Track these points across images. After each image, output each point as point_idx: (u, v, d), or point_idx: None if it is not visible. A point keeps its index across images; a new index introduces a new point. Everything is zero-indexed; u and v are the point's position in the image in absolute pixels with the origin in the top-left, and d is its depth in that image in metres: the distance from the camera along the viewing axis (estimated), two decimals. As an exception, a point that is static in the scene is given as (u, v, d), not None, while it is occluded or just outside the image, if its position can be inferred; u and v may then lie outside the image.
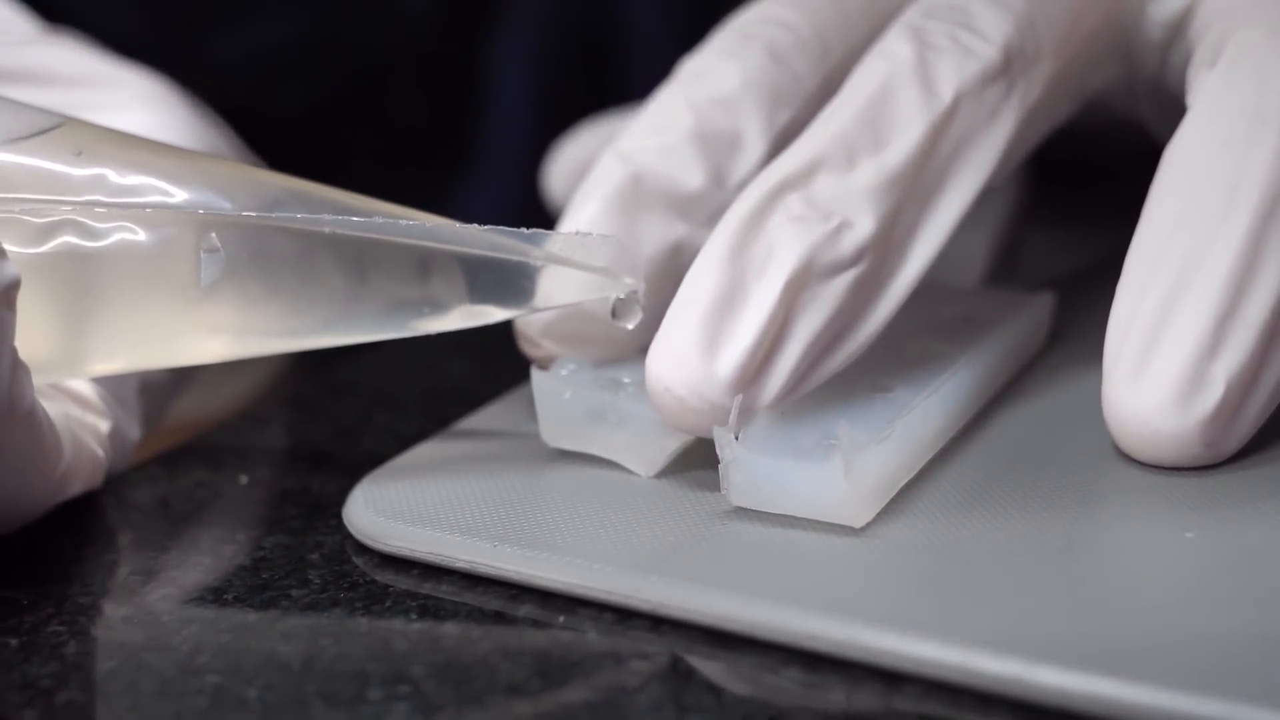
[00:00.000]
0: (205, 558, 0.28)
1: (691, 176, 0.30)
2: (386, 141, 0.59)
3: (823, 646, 0.23)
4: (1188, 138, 0.28)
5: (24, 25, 0.34)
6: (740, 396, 0.26)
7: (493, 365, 0.36)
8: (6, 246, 0.25)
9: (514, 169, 0.60)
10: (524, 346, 0.30)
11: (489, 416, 0.31)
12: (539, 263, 0.27)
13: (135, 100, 0.33)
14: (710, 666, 0.24)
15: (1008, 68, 0.29)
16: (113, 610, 0.26)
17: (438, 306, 0.27)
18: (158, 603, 0.26)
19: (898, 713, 0.22)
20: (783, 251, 0.27)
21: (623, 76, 0.62)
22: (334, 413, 0.34)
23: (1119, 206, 0.44)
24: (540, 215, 0.62)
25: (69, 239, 0.26)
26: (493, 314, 0.28)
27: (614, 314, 0.28)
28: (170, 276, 0.27)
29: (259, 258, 0.27)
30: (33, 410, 0.25)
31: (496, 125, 0.60)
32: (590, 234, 0.28)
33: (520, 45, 0.60)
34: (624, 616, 0.25)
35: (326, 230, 0.27)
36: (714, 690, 0.23)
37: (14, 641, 0.25)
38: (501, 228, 0.27)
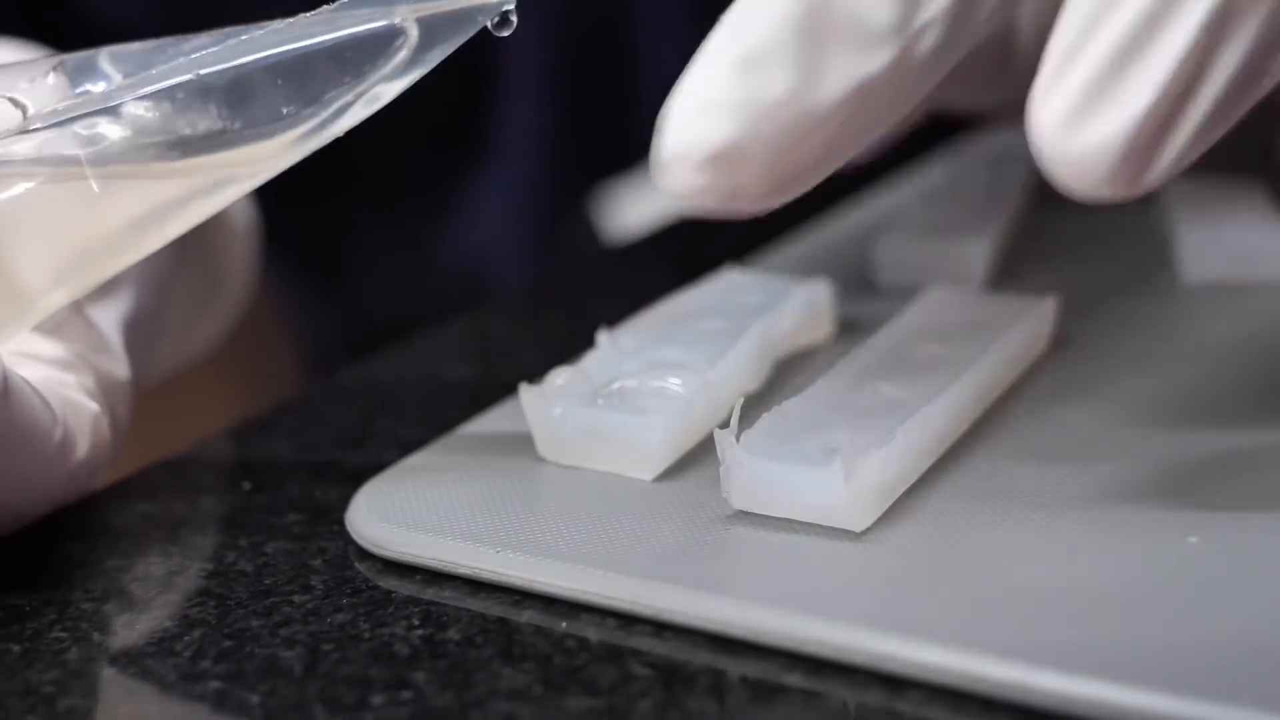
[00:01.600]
0: (208, 564, 0.28)
1: (880, 12, 0.26)
2: (400, 129, 0.59)
3: (825, 651, 0.23)
4: None
5: None
6: (741, 399, 0.26)
7: (494, 370, 0.36)
8: None
9: (530, 155, 0.60)
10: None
11: (491, 421, 0.31)
12: (405, 22, 0.26)
13: None
14: (713, 672, 0.24)
15: None
16: (115, 616, 0.26)
17: (336, 107, 0.27)
18: (160, 608, 0.26)
19: (901, 717, 0.22)
20: None
21: (635, 61, 0.61)
22: (336, 418, 0.34)
23: (1122, 211, 0.44)
24: (557, 202, 0.62)
25: None
26: (390, 90, 0.27)
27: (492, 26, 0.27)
28: (62, 188, 0.26)
29: (141, 131, 0.26)
30: (8, 382, 0.25)
31: (511, 112, 0.60)
32: None
33: (533, 30, 0.59)
34: (626, 622, 0.25)
35: (194, 76, 0.26)
36: (716, 695, 0.23)
37: (16, 648, 0.25)
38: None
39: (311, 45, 0.26)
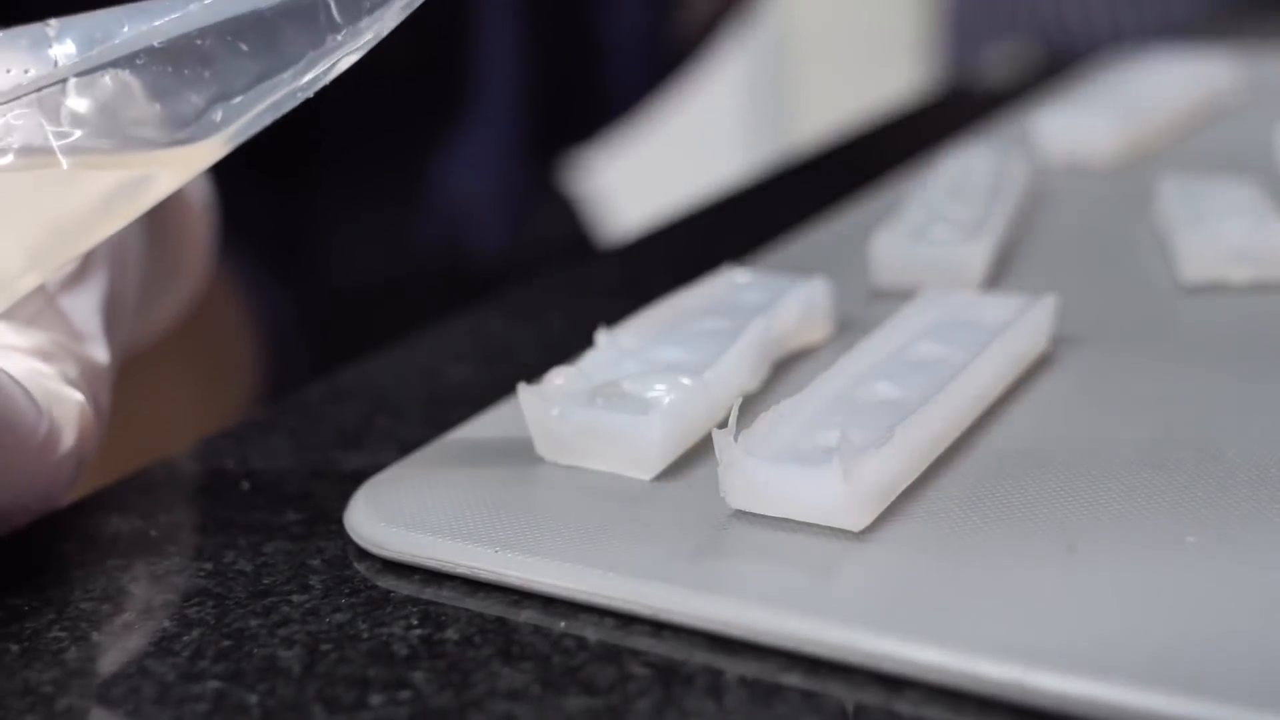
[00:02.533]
0: (206, 563, 0.28)
1: None
2: (374, 87, 0.58)
3: (823, 651, 0.23)
4: None
5: None
6: (740, 399, 0.26)
7: (494, 370, 0.36)
8: None
9: (503, 110, 0.60)
10: None
11: (490, 421, 0.31)
12: None
13: None
14: (711, 672, 0.24)
15: None
16: (114, 616, 0.26)
17: (318, 70, 0.25)
18: (159, 608, 0.26)
19: (899, 717, 0.22)
20: None
21: (603, 9, 0.62)
22: (335, 418, 0.34)
23: (1121, 211, 0.44)
24: (531, 160, 0.62)
25: None
26: (367, 38, 0.26)
27: None
28: (30, 167, 0.26)
29: (106, 106, 0.25)
30: None
31: (485, 67, 0.60)
32: None
33: None
34: (625, 621, 0.25)
35: (157, 44, 0.25)
36: (715, 695, 0.23)
37: (15, 647, 0.25)
38: None
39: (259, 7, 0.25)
